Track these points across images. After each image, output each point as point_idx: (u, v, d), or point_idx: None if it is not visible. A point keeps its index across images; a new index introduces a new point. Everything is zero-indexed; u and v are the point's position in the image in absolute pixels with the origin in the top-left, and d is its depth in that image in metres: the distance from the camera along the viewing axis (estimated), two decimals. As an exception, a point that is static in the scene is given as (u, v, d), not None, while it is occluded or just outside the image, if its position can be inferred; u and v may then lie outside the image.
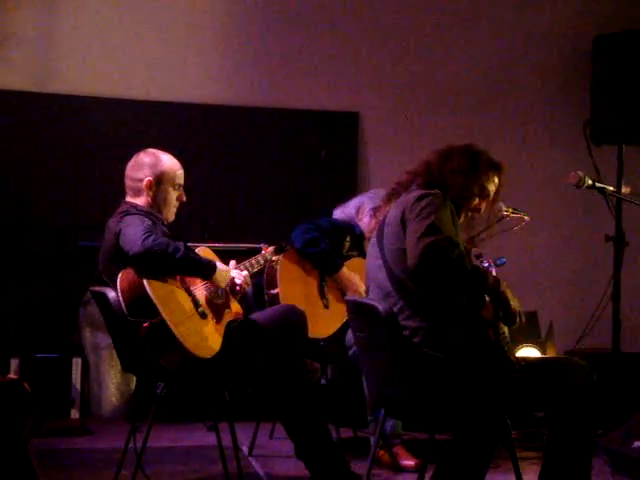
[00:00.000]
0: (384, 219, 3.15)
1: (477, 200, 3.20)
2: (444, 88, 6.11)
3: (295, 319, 3.67)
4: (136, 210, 3.54)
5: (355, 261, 4.49)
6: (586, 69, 5.22)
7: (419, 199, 3.01)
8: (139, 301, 3.29)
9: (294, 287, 4.13)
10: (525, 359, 3.16)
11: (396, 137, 6.02)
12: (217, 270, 3.51)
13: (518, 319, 2.98)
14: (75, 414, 5.23)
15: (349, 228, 4.51)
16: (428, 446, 3.14)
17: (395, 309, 3.01)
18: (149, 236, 3.29)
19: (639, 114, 4.91)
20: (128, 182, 3.67)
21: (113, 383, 5.26)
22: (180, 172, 3.69)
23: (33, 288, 5.34)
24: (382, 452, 4.13)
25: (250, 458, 4.32)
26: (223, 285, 3.55)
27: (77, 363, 5.25)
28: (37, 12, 5.63)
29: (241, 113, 5.84)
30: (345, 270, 4.36)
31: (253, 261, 3.81)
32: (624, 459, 4.02)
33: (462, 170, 3.15)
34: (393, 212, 3.10)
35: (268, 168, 5.83)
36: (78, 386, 5.24)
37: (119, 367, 4.90)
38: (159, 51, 5.74)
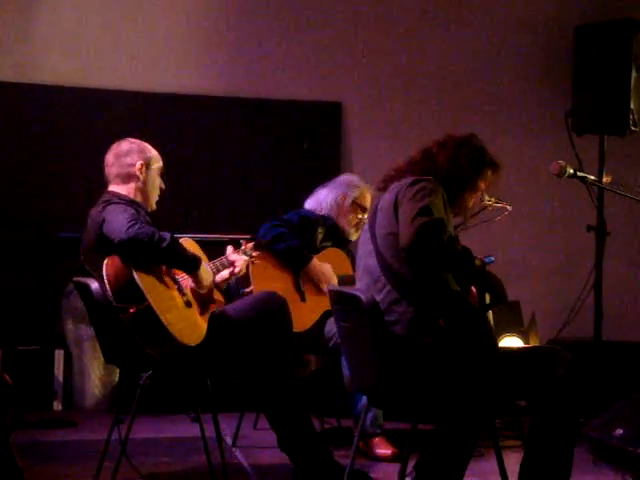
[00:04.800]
0: (377, 205, 3.17)
1: (468, 193, 3.22)
2: (426, 78, 6.11)
3: (276, 306, 3.65)
4: (119, 199, 3.53)
5: (330, 251, 4.47)
6: (567, 59, 5.23)
7: (412, 184, 3.05)
8: (126, 287, 3.28)
9: (268, 283, 4.10)
10: (508, 349, 3.19)
11: (379, 127, 6.02)
12: (201, 266, 3.50)
13: (505, 298, 3.02)
14: (58, 406, 5.21)
15: (320, 219, 4.45)
16: (411, 436, 3.15)
17: (383, 294, 3.02)
18: (134, 224, 3.28)
19: (620, 104, 4.93)
20: (115, 169, 3.65)
21: (96, 375, 5.25)
22: (160, 158, 3.73)
23: (14, 280, 5.31)
24: (362, 443, 4.14)
25: (234, 449, 4.32)
26: (205, 283, 3.52)
27: (59, 355, 5.23)
28: (17, 2, 5.58)
29: (223, 104, 5.81)
30: (316, 262, 4.31)
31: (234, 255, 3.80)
32: (606, 447, 4.05)
33: (465, 163, 3.17)
34: (387, 197, 3.13)
35: (250, 159, 5.81)
36: (61, 378, 5.23)
37: (102, 359, 4.88)
38: (139, 41, 5.70)
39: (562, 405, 3.00)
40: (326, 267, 4.34)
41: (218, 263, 3.69)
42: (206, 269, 3.55)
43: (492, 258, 3.14)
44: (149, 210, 3.65)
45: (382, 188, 3.23)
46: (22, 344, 5.18)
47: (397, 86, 6.08)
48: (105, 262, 3.33)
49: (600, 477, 3.95)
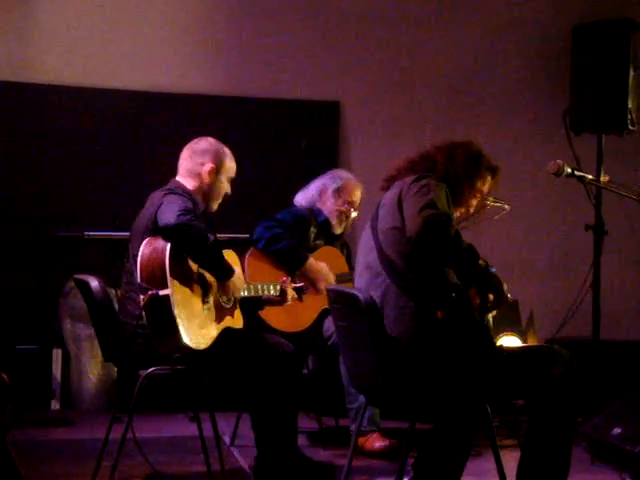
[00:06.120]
0: (379, 203, 3.18)
1: (467, 191, 3.23)
2: (424, 78, 6.11)
3: (285, 362, 3.58)
4: (182, 191, 3.56)
5: (324, 250, 4.47)
6: (565, 58, 5.23)
7: (417, 179, 3.08)
8: (154, 270, 3.30)
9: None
10: (506, 348, 3.19)
11: (377, 126, 6.02)
12: (232, 278, 3.53)
13: (507, 300, 3.03)
14: (56, 405, 5.21)
15: (311, 216, 4.47)
16: (408, 435, 3.15)
17: (382, 288, 3.03)
18: (185, 214, 3.32)
19: (618, 103, 4.93)
20: (187, 164, 3.69)
21: (94, 374, 5.25)
22: (235, 167, 3.77)
23: (12, 279, 5.30)
24: (362, 439, 4.15)
25: (232, 448, 4.32)
26: (231, 294, 3.58)
27: (57, 354, 5.23)
28: (15, 1, 5.58)
29: (221, 103, 5.81)
30: (312, 261, 4.31)
31: (271, 286, 3.90)
32: (603, 446, 4.05)
33: (461, 161, 3.19)
34: (389, 194, 3.16)
35: (248, 158, 5.76)
36: (59, 377, 5.22)
37: (100, 358, 4.89)
38: (137, 41, 5.69)
39: (560, 404, 3.01)
40: (322, 266, 4.34)
41: (267, 286, 3.83)
42: (237, 283, 3.58)
43: (493, 269, 3.15)
44: (208, 211, 3.70)
45: (385, 187, 3.25)
46: (20, 343, 5.17)
47: (395, 86, 6.08)
48: (146, 240, 3.37)
49: (598, 476, 3.96)
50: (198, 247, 3.36)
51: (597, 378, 4.75)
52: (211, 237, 3.38)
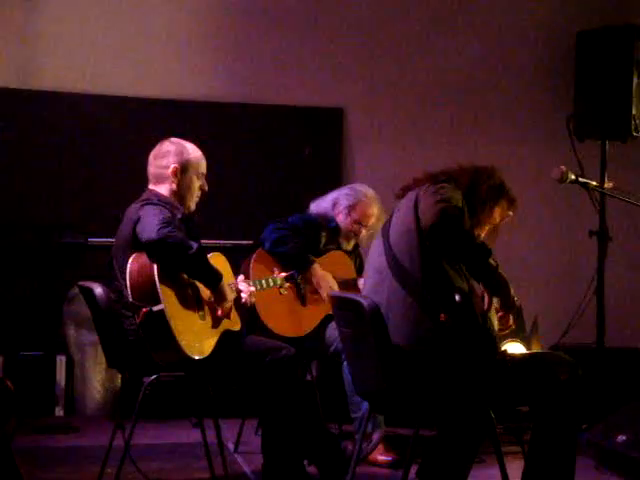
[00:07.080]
0: (393, 209, 3.21)
1: (486, 212, 3.23)
2: (428, 84, 6.11)
3: (286, 367, 3.57)
4: (157, 200, 3.53)
5: (334, 254, 4.46)
6: (569, 65, 5.24)
7: (434, 183, 3.10)
8: (145, 286, 3.28)
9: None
10: (510, 354, 3.19)
11: (381, 133, 6.01)
12: (222, 283, 3.48)
13: (515, 308, 3.02)
14: (60, 412, 5.21)
15: (323, 222, 4.44)
16: (412, 441, 3.14)
17: (388, 291, 3.04)
18: (166, 226, 3.29)
19: (622, 109, 4.93)
20: (152, 169, 3.67)
21: (98, 380, 5.25)
22: (204, 161, 3.72)
23: (17, 285, 5.31)
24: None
25: (236, 454, 4.32)
26: (224, 302, 3.51)
27: (61, 361, 5.23)
28: (20, 8, 5.59)
29: (225, 109, 5.81)
30: (317, 267, 4.27)
31: (263, 281, 3.85)
32: (608, 453, 4.04)
33: (484, 187, 3.19)
34: (405, 201, 3.17)
35: (252, 164, 5.81)
36: (62, 384, 5.22)
37: (104, 364, 4.91)
38: (143, 48, 5.70)
39: (564, 411, 3.00)
40: (327, 275, 4.30)
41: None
42: (226, 287, 3.52)
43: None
44: (186, 212, 3.65)
45: (400, 196, 3.25)
46: (24, 350, 5.17)
47: (399, 92, 6.08)
48: (132, 256, 3.35)
49: (602, 483, 3.96)
50: (183, 258, 3.31)
51: (601, 385, 4.74)
52: (194, 245, 3.33)
